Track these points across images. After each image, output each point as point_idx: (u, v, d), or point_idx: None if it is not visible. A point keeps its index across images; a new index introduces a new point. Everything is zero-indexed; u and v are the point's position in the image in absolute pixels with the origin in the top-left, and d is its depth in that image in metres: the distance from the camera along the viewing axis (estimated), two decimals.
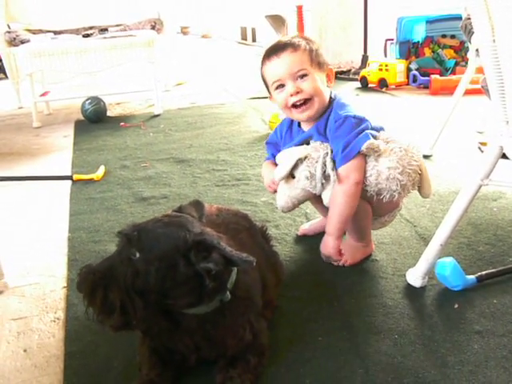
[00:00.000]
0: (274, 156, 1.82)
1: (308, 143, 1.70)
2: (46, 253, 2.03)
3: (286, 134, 1.82)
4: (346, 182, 1.58)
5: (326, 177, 1.62)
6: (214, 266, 1.12)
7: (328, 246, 1.68)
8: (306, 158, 1.65)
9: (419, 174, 1.64)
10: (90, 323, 1.51)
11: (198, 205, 1.35)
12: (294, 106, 1.66)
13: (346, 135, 1.59)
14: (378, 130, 1.67)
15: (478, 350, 1.33)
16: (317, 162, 1.62)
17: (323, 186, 1.63)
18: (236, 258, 1.13)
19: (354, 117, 1.62)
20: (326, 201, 1.63)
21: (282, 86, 1.65)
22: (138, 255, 1.12)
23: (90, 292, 1.12)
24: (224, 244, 1.15)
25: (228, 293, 1.21)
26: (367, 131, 1.60)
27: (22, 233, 2.24)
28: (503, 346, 1.34)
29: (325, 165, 1.61)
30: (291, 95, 1.63)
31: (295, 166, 1.67)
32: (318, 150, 1.64)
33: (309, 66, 1.62)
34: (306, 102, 1.65)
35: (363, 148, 1.56)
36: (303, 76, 1.62)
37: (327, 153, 1.62)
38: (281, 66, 1.63)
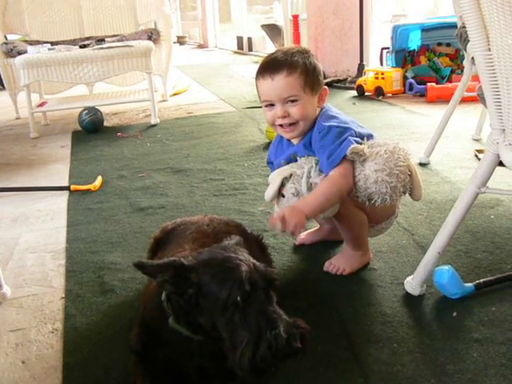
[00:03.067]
0: None
1: (295, 159, 1.71)
2: (43, 264, 2.03)
3: (277, 148, 1.86)
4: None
5: (312, 187, 1.62)
6: None
7: (294, 216, 1.51)
8: (291, 175, 1.67)
9: (409, 176, 1.65)
10: (89, 334, 1.54)
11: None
12: (280, 125, 1.68)
13: (330, 144, 1.60)
14: (365, 136, 1.67)
15: (477, 359, 1.33)
16: (301, 177, 1.64)
17: None
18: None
19: (338, 126, 1.63)
20: None
21: (271, 104, 1.67)
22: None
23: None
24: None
25: None
26: (351, 138, 1.61)
27: (20, 243, 2.24)
28: (502, 354, 1.34)
29: (309, 177, 1.62)
30: (278, 117, 1.65)
31: (283, 185, 1.69)
32: (302, 167, 1.66)
33: (301, 92, 1.62)
34: (291, 124, 1.67)
35: (347, 153, 1.57)
36: (293, 101, 1.63)
37: (312, 166, 1.64)
38: (273, 88, 1.63)
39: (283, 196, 1.69)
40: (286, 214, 1.49)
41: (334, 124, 1.63)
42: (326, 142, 1.60)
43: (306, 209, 1.53)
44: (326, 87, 1.72)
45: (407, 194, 1.70)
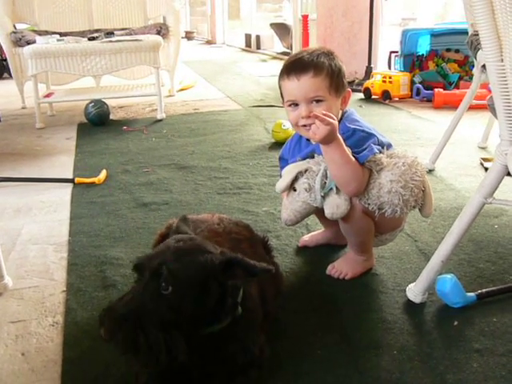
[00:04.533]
0: None
1: (313, 156, 1.70)
2: (45, 256, 2.03)
3: (294, 147, 1.83)
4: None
5: (326, 186, 1.62)
6: (240, 281, 1.14)
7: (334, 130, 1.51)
8: (306, 170, 1.66)
9: (422, 191, 1.65)
10: (89, 328, 1.54)
11: (186, 221, 1.34)
12: (304, 125, 1.66)
13: (353, 148, 1.59)
14: (386, 145, 1.67)
15: (477, 369, 1.33)
16: (317, 174, 1.63)
17: (323, 198, 1.63)
18: (258, 268, 1.14)
19: (363, 131, 1.63)
20: (327, 212, 1.63)
21: (295, 104, 1.65)
22: (170, 289, 1.08)
23: (131, 341, 1.05)
24: (244, 257, 1.15)
25: (239, 307, 1.21)
26: (373, 145, 1.61)
27: (22, 234, 2.24)
28: (502, 365, 1.34)
29: (325, 177, 1.62)
30: (302, 117, 1.63)
31: (296, 179, 1.68)
32: (319, 164, 1.64)
33: (326, 93, 1.61)
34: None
35: (365, 161, 1.57)
36: (318, 101, 1.61)
37: None
38: (299, 88, 1.62)
39: (294, 190, 1.69)
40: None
41: (359, 128, 1.63)
42: (349, 143, 1.59)
43: (337, 139, 1.52)
44: (349, 89, 1.71)
45: (417, 209, 1.70)
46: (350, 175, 1.57)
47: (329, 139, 1.51)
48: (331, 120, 1.49)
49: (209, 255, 1.13)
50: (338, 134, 1.53)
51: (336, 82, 1.63)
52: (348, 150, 1.56)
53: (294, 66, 1.64)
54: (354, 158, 1.57)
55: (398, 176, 1.57)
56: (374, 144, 1.62)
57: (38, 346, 1.49)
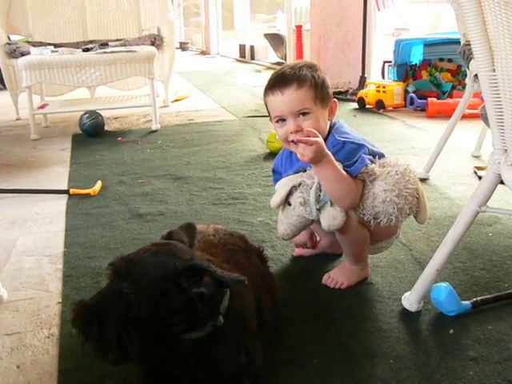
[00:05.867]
0: None
1: (305, 170, 1.70)
2: (40, 267, 2.03)
3: (286, 161, 1.83)
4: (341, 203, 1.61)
5: (321, 199, 1.62)
6: (205, 290, 1.13)
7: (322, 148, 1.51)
8: (300, 184, 1.66)
9: (416, 198, 1.65)
10: None
11: (189, 228, 1.34)
12: (293, 141, 1.65)
13: (344, 160, 1.59)
14: (377, 154, 1.67)
15: (473, 377, 1.33)
16: (311, 188, 1.63)
17: (319, 211, 1.64)
18: (227, 278, 1.14)
19: (353, 143, 1.63)
20: (323, 224, 1.63)
21: (283, 120, 1.65)
22: (129, 287, 1.12)
23: (85, 328, 1.11)
24: (214, 266, 1.16)
25: (221, 317, 1.21)
26: (365, 156, 1.61)
27: (17, 246, 2.24)
28: (498, 373, 1.34)
29: (319, 190, 1.62)
30: (291, 132, 1.63)
31: (290, 194, 1.68)
32: (312, 177, 1.65)
33: (312, 105, 1.61)
34: None
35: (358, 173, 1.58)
36: (305, 114, 1.61)
37: None
38: (284, 103, 1.61)
39: (289, 204, 1.69)
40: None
41: (349, 140, 1.63)
42: (340, 156, 1.59)
43: (326, 158, 1.53)
44: (335, 100, 1.71)
45: (412, 216, 1.70)
46: (343, 190, 1.58)
47: (318, 158, 1.52)
48: (315, 139, 1.49)
49: (174, 260, 1.14)
50: (327, 151, 1.54)
51: (321, 92, 1.63)
52: (339, 165, 1.57)
53: (277, 81, 1.64)
54: (345, 173, 1.58)
55: (392, 185, 1.58)
56: (365, 154, 1.62)
57: (33, 359, 1.48)
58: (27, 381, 1.39)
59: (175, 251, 1.17)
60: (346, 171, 1.58)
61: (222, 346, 1.22)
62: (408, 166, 1.65)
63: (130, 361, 1.14)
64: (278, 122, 1.67)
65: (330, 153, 1.55)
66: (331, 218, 1.61)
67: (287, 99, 1.61)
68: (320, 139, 1.50)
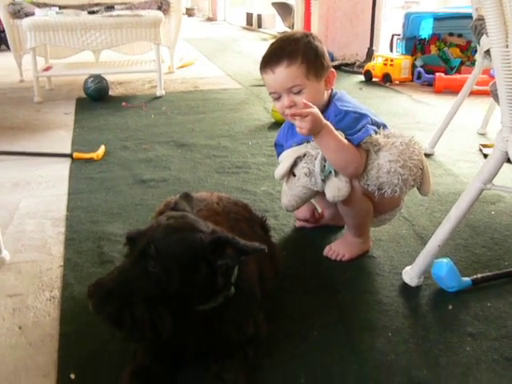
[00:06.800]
0: None
1: (309, 141, 1.69)
2: (43, 230, 2.03)
3: (287, 132, 1.82)
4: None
5: (326, 169, 1.62)
6: (230, 261, 1.14)
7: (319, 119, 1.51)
8: (304, 155, 1.65)
9: (420, 170, 1.65)
10: (87, 304, 1.54)
11: (188, 198, 1.34)
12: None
13: (347, 129, 1.58)
14: (381, 125, 1.66)
15: (470, 353, 1.34)
16: (316, 158, 1.63)
17: (324, 182, 1.63)
18: (250, 248, 1.14)
19: (355, 112, 1.62)
20: (328, 195, 1.63)
21: (278, 96, 1.65)
22: (156, 266, 1.08)
23: (116, 315, 1.06)
24: (236, 237, 1.15)
25: (232, 287, 1.21)
26: (368, 126, 1.60)
27: (20, 209, 2.24)
28: (495, 349, 1.36)
29: (324, 160, 1.61)
30: (286, 107, 1.62)
31: (295, 165, 1.67)
32: (317, 147, 1.64)
33: (304, 80, 1.59)
34: None
35: (361, 142, 1.57)
36: (298, 91, 1.60)
37: None
38: (275, 81, 1.61)
39: (294, 175, 1.69)
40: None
41: (351, 109, 1.62)
42: (342, 125, 1.59)
43: (325, 128, 1.52)
44: (332, 70, 1.68)
45: (415, 188, 1.70)
46: (346, 159, 1.57)
47: (316, 128, 1.51)
48: (309, 110, 1.48)
49: (199, 234, 1.14)
50: (326, 121, 1.53)
51: (314, 66, 1.61)
52: (341, 134, 1.56)
53: (269, 59, 1.63)
54: (347, 142, 1.57)
55: (397, 156, 1.57)
56: (369, 124, 1.61)
57: (35, 320, 1.49)
58: (29, 342, 1.40)
59: (196, 225, 1.16)
60: (348, 140, 1.57)
61: (232, 316, 1.22)
62: (413, 137, 1.64)
63: (164, 339, 1.10)
64: (274, 98, 1.67)
65: (328, 122, 1.54)
66: (336, 189, 1.61)
67: (278, 77, 1.60)
68: (315, 110, 1.50)
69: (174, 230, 1.13)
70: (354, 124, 1.59)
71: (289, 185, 1.70)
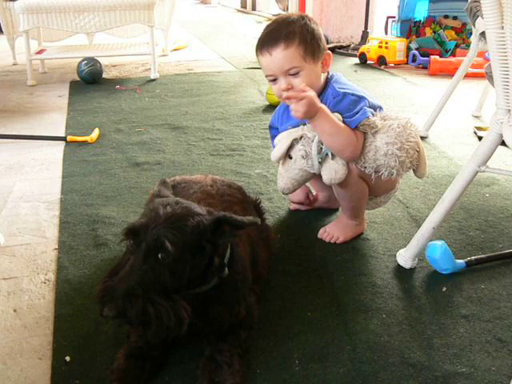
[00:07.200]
0: None
1: (305, 124, 1.69)
2: (37, 213, 2.03)
3: (283, 115, 1.82)
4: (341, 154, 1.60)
5: (323, 151, 1.62)
6: (231, 237, 1.16)
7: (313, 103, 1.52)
8: (301, 137, 1.65)
9: (417, 152, 1.64)
10: (81, 286, 1.55)
11: (166, 184, 1.33)
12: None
13: (345, 111, 1.58)
14: (376, 107, 1.66)
15: (464, 334, 1.35)
16: (312, 141, 1.62)
17: (321, 164, 1.63)
18: (245, 222, 1.15)
19: (353, 94, 1.61)
20: (325, 178, 1.62)
21: (274, 78, 1.63)
22: (167, 257, 1.07)
23: (142, 314, 1.03)
24: (230, 214, 1.16)
25: (226, 268, 1.22)
26: (366, 108, 1.60)
27: (14, 192, 2.23)
28: (488, 331, 1.37)
29: (321, 142, 1.61)
30: (283, 90, 1.61)
31: (291, 147, 1.67)
32: (313, 130, 1.64)
33: (302, 62, 1.58)
34: None
35: (359, 123, 1.56)
36: (295, 73, 1.59)
37: None
38: (273, 63, 1.60)
39: (290, 157, 1.68)
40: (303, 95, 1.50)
41: (349, 91, 1.61)
42: (340, 107, 1.58)
43: (320, 111, 1.53)
44: (329, 52, 1.67)
45: (411, 171, 1.70)
46: (342, 142, 1.57)
47: (311, 112, 1.51)
48: (304, 93, 1.48)
49: (199, 217, 1.13)
50: (321, 104, 1.53)
51: (311, 47, 1.59)
52: (337, 116, 1.56)
53: (266, 41, 1.61)
54: (343, 124, 1.56)
55: (394, 138, 1.57)
56: (366, 107, 1.60)
57: (29, 303, 1.49)
58: (24, 324, 1.40)
59: (193, 208, 1.16)
60: (345, 123, 1.57)
61: (224, 297, 1.23)
62: (409, 119, 1.64)
63: (186, 327, 1.09)
64: (271, 80, 1.65)
65: (324, 106, 1.54)
66: (333, 171, 1.61)
67: (276, 60, 1.59)
68: (310, 93, 1.49)
69: (177, 219, 1.12)
70: (352, 106, 1.59)
71: (285, 167, 1.70)
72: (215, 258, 1.15)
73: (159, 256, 1.07)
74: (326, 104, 1.60)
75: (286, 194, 1.80)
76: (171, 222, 1.10)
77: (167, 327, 1.05)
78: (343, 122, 1.57)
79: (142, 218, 1.15)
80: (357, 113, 1.58)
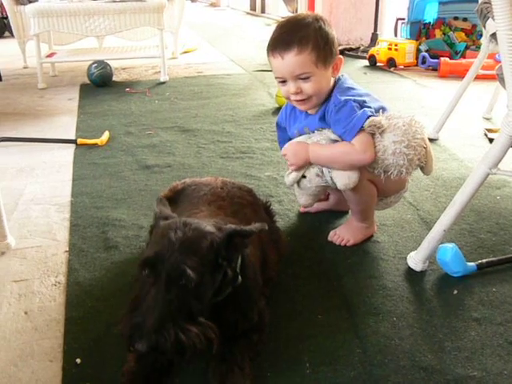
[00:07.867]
0: (283, 141, 1.83)
1: (313, 131, 1.71)
2: (48, 216, 2.04)
3: (290, 116, 1.82)
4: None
5: None
6: (243, 248, 1.18)
7: (297, 154, 1.68)
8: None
9: (424, 149, 1.64)
10: (91, 289, 1.55)
11: (163, 202, 1.32)
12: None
13: (346, 118, 1.58)
14: (380, 109, 1.65)
15: (475, 337, 1.35)
16: None
17: (332, 175, 1.64)
18: (254, 230, 1.15)
19: (354, 100, 1.60)
20: (339, 185, 1.62)
21: (283, 80, 1.63)
22: (190, 282, 1.06)
23: (177, 343, 1.03)
24: (238, 226, 1.17)
25: (239, 276, 1.21)
26: (366, 109, 1.58)
27: (25, 194, 2.24)
28: (500, 334, 1.36)
29: None
30: (291, 93, 1.62)
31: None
32: (321, 135, 1.65)
33: (313, 68, 1.58)
34: (305, 99, 1.64)
35: (365, 125, 1.55)
36: (305, 77, 1.59)
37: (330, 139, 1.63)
38: (284, 67, 1.59)
39: (304, 177, 1.69)
40: (290, 150, 1.68)
41: (351, 98, 1.60)
42: (341, 115, 1.58)
43: (311, 154, 1.64)
44: (340, 56, 1.67)
45: (419, 172, 1.69)
46: (345, 162, 1.59)
47: (301, 160, 1.66)
48: (290, 162, 1.68)
49: (211, 235, 1.13)
50: (306, 150, 1.64)
51: (323, 53, 1.59)
52: (327, 136, 1.62)
53: (279, 43, 1.60)
54: (337, 146, 1.60)
55: (401, 136, 1.56)
56: (367, 108, 1.59)
57: (40, 305, 1.50)
58: (34, 326, 1.41)
59: (204, 227, 1.15)
60: (347, 127, 1.57)
61: (238, 304, 1.23)
62: (413, 116, 1.63)
63: (216, 347, 1.09)
64: (280, 82, 1.66)
65: (310, 145, 1.64)
66: (346, 177, 1.60)
67: (287, 64, 1.58)
68: (287, 149, 1.69)
69: (191, 242, 1.11)
70: (352, 112, 1.58)
71: (301, 186, 1.72)
72: (228, 271, 1.16)
73: (181, 283, 1.06)
74: (328, 114, 1.63)
75: (308, 207, 1.88)
76: (186, 247, 1.09)
77: (200, 350, 1.05)
78: (345, 127, 1.58)
79: (153, 246, 1.13)
80: (357, 117, 1.57)
